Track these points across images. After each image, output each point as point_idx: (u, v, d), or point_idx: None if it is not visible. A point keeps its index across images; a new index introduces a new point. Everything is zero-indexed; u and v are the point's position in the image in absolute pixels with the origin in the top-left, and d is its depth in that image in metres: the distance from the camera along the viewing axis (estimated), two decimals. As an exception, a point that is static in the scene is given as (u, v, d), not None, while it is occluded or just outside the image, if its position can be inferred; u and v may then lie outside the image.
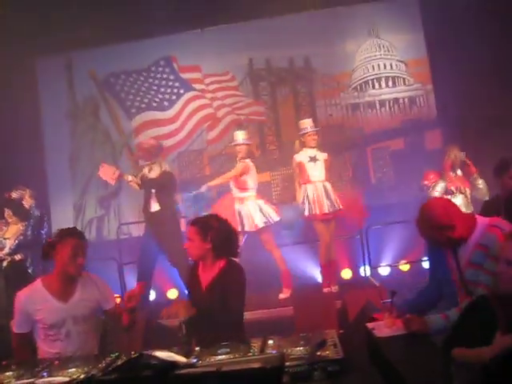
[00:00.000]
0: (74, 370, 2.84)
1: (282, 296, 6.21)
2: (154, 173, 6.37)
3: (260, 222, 6.19)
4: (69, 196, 8.90)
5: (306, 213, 6.20)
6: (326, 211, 6.16)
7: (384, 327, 3.18)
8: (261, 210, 6.23)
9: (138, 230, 7.86)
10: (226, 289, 3.63)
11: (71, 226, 4.03)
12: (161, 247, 6.27)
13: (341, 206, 6.29)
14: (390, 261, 7.44)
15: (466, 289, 3.24)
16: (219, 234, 3.70)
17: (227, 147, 8.46)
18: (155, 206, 6.26)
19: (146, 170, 6.43)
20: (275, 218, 6.24)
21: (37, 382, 2.73)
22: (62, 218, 8.51)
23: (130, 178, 6.42)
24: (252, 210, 6.17)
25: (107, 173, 6.41)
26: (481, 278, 3.13)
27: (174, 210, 6.37)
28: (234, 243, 3.80)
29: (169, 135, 8.83)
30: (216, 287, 3.69)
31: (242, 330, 3.73)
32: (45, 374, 2.84)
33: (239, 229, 5.98)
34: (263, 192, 7.26)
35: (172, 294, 7.36)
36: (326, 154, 6.35)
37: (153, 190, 6.27)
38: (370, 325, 3.28)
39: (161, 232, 6.21)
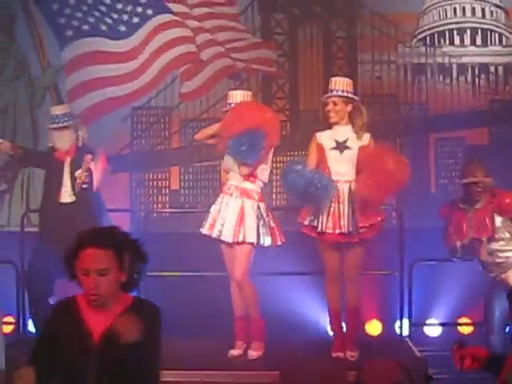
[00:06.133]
0: None
1: (252, 354, 5.30)
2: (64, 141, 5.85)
3: (251, 233, 5.16)
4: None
5: (319, 228, 5.15)
6: (345, 230, 5.12)
7: None
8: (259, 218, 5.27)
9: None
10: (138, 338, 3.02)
11: None
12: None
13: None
14: (444, 317, 6.64)
15: None
16: (135, 257, 3.04)
17: (212, 109, 7.64)
18: (67, 195, 5.83)
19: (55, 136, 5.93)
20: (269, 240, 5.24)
21: None
22: None
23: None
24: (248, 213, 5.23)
25: None
26: None
27: (91, 203, 5.92)
28: (142, 270, 3.15)
29: (120, 79, 7.66)
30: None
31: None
32: None
33: (207, 231, 5.21)
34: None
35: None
36: (368, 136, 5.32)
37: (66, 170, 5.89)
38: None
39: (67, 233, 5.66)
